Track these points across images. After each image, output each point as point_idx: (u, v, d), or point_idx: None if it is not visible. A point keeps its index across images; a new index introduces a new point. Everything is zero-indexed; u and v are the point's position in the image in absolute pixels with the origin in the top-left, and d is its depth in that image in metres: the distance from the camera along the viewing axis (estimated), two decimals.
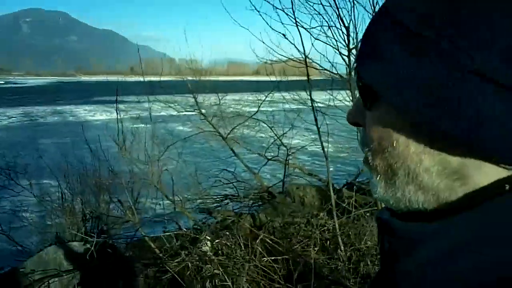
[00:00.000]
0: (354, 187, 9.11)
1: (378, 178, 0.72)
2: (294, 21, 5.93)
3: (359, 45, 5.42)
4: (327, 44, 6.00)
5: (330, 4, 5.86)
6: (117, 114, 7.65)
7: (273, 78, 8.43)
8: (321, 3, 5.94)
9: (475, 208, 0.60)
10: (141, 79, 9.36)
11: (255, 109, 10.30)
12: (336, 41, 5.96)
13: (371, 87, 0.67)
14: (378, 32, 0.66)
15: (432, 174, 0.64)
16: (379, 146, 0.69)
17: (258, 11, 6.40)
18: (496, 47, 0.54)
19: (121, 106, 12.76)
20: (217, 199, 9.63)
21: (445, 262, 0.61)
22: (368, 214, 6.70)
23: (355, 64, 0.73)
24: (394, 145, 0.66)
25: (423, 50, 0.59)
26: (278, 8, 6.10)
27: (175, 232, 6.89)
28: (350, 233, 6.22)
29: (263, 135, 11.61)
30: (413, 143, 0.64)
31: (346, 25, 5.79)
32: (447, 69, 0.57)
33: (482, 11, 0.56)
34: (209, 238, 5.97)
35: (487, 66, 0.55)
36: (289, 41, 6.19)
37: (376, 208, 6.36)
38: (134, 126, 8.97)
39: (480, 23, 0.56)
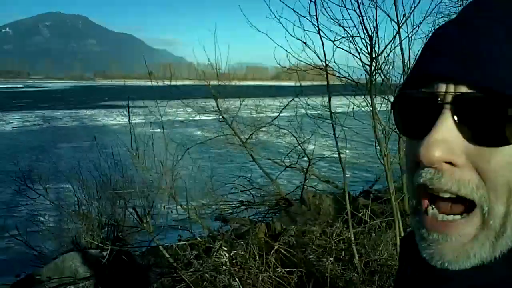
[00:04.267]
0: (371, 195, 9.04)
1: (489, 234, 0.63)
2: (317, 29, 5.82)
3: (382, 53, 5.33)
4: (349, 52, 5.89)
5: (354, 9, 5.75)
6: (129, 121, 7.63)
7: (292, 83, 8.39)
8: (345, 7, 5.82)
9: None
10: (160, 83, 9.37)
11: (274, 114, 10.28)
12: (358, 49, 5.86)
13: None
14: None
15: None
16: (508, 189, 0.61)
17: (278, 19, 6.30)
18: None
19: (139, 110, 12.82)
20: (233, 205, 9.60)
21: None
22: (384, 224, 6.61)
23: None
24: None
25: None
26: (301, 16, 5.99)
27: (190, 241, 6.86)
28: (365, 243, 6.14)
29: (281, 141, 11.59)
30: None
31: (370, 33, 5.70)
32: None
33: None
34: (225, 248, 5.92)
35: None
36: (310, 49, 6.08)
37: (392, 218, 6.24)
38: (152, 131, 8.96)
39: None
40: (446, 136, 0.62)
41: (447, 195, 0.64)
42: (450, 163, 0.62)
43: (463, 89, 0.62)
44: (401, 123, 0.72)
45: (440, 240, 0.64)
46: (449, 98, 0.62)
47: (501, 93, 0.59)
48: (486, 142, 0.61)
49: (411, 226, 0.72)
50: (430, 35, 0.73)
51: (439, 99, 0.64)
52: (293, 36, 6.14)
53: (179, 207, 7.84)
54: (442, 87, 0.64)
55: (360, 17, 5.72)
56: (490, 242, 0.62)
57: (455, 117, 0.62)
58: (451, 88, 0.63)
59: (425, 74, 0.67)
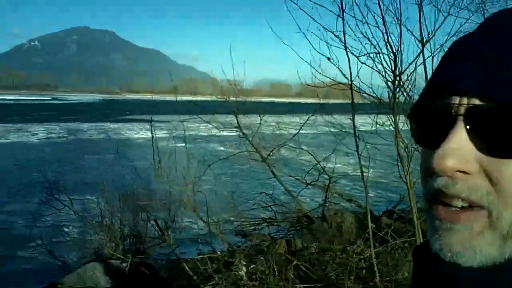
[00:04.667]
0: (394, 215, 8.96)
1: (496, 235, 0.63)
2: (344, 45, 5.80)
3: (405, 71, 5.29)
4: (374, 69, 5.84)
5: (378, 25, 5.71)
6: (152, 135, 7.72)
7: (316, 101, 8.36)
8: (368, 24, 5.78)
9: None
10: (184, 98, 9.46)
11: (296, 131, 10.29)
12: (382, 66, 5.81)
13: None
14: None
15: None
16: None
17: (304, 34, 6.28)
18: None
19: (162, 125, 12.94)
20: (255, 222, 9.59)
21: None
22: (406, 244, 6.54)
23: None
24: None
25: None
26: (328, 31, 5.96)
27: (209, 255, 6.86)
28: (387, 262, 6.08)
29: (303, 158, 11.57)
30: None
31: (394, 50, 5.65)
32: None
33: None
34: (244, 262, 5.92)
35: None
36: (334, 64, 6.04)
37: (414, 238, 6.18)
38: (175, 145, 9.04)
39: None
40: (458, 146, 0.62)
41: (459, 204, 0.64)
42: (463, 172, 0.63)
43: (476, 101, 0.62)
44: (417, 133, 0.72)
45: (450, 229, 0.64)
46: (462, 110, 0.63)
47: None
48: (499, 153, 0.61)
49: (426, 233, 0.73)
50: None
51: (453, 110, 0.64)
52: (318, 52, 6.12)
53: (200, 221, 7.88)
54: (456, 99, 0.64)
55: (385, 34, 5.69)
56: (497, 243, 0.63)
57: (468, 129, 0.62)
58: (464, 99, 0.63)
59: (439, 85, 0.67)
